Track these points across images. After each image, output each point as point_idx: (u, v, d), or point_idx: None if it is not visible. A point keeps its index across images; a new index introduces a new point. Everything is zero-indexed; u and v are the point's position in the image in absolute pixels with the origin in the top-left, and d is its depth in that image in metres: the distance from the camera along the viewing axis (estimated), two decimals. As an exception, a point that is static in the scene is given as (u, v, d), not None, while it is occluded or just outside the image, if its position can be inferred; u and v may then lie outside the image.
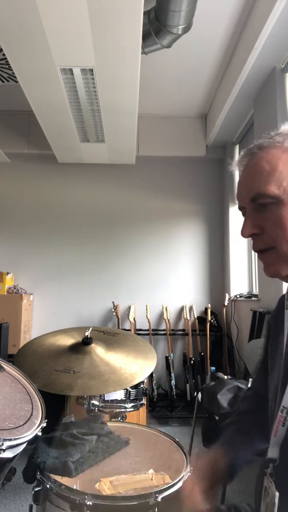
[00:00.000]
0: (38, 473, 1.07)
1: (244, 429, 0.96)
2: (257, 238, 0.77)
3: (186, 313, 4.13)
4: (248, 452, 0.93)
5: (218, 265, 4.35)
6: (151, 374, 3.77)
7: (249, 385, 2.23)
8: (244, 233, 0.77)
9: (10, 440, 0.90)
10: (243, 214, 0.80)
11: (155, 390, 3.83)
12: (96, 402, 1.92)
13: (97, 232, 4.35)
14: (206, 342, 3.96)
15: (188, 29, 2.52)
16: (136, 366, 1.55)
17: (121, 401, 2.08)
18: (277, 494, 0.72)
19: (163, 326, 4.18)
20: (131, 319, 3.97)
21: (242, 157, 0.81)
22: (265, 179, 0.73)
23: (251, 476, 0.90)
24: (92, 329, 1.67)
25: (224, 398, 2.17)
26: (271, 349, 0.90)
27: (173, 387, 3.83)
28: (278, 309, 0.93)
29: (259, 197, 0.74)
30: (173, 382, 3.86)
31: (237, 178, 4.40)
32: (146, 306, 4.11)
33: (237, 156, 3.55)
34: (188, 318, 4.11)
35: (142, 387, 2.21)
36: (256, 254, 0.82)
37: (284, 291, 0.89)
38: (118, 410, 2.05)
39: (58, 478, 1.06)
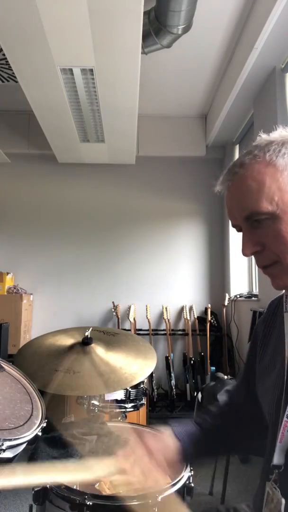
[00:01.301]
0: (38, 473, 1.07)
1: (211, 433, 0.96)
2: (259, 255, 0.75)
3: (186, 313, 4.13)
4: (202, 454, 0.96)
5: (218, 265, 4.35)
6: (151, 374, 3.76)
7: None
8: (246, 253, 0.75)
9: (10, 440, 0.90)
10: (238, 231, 0.78)
11: (155, 390, 3.83)
12: (96, 402, 1.92)
13: (97, 232, 4.35)
14: (206, 342, 3.96)
15: (188, 29, 2.52)
16: (136, 366, 1.55)
17: (121, 401, 2.08)
18: (283, 501, 0.71)
19: (163, 326, 4.18)
20: (131, 319, 3.97)
21: (225, 177, 0.78)
22: (255, 196, 0.71)
23: (251, 476, 0.90)
24: (92, 329, 1.66)
25: (224, 398, 2.17)
26: (260, 354, 0.89)
27: (173, 387, 3.83)
28: (269, 314, 0.91)
29: (253, 215, 0.73)
30: (173, 382, 3.85)
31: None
32: (146, 306, 4.11)
33: (237, 156, 3.52)
34: (188, 318, 4.11)
35: (142, 387, 2.21)
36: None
37: (281, 293, 0.89)
38: (118, 410, 2.05)
39: (58, 478, 1.06)
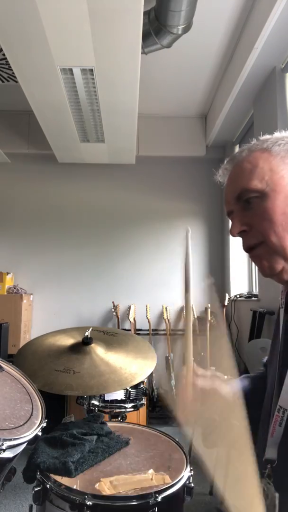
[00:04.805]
0: (38, 473, 1.07)
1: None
2: (245, 236, 0.77)
3: (186, 313, 4.12)
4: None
5: (218, 265, 4.35)
6: (151, 374, 3.77)
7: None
8: (233, 232, 0.78)
9: (10, 440, 0.90)
10: (232, 220, 0.80)
11: (155, 390, 3.83)
12: (96, 402, 1.92)
13: (97, 232, 4.35)
14: (206, 342, 3.96)
15: (188, 29, 2.52)
16: (136, 366, 1.55)
17: (121, 401, 2.08)
18: (277, 495, 0.72)
19: (163, 326, 4.18)
20: (131, 319, 3.97)
21: (226, 163, 0.82)
22: (248, 176, 0.75)
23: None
24: (92, 329, 1.67)
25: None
26: (269, 352, 0.91)
27: (173, 387, 3.83)
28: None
29: (243, 194, 0.75)
30: (173, 382, 3.85)
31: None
32: (146, 306, 4.11)
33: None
34: (188, 318, 4.11)
35: (142, 387, 2.21)
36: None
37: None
38: (118, 410, 2.05)
39: (58, 478, 1.06)
